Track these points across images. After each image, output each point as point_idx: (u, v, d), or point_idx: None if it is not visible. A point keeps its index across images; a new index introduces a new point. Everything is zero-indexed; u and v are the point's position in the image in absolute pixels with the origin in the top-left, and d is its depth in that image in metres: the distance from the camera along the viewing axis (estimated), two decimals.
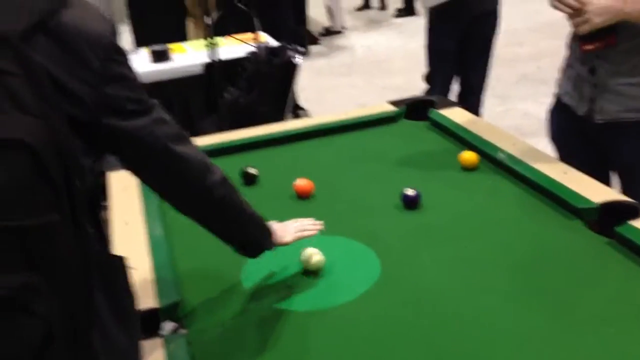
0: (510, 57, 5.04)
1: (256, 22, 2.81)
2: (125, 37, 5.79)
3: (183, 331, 1.09)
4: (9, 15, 0.74)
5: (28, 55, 0.73)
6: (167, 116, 0.93)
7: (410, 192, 1.50)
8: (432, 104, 2.07)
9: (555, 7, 1.45)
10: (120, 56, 0.85)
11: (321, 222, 1.29)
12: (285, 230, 1.22)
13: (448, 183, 1.63)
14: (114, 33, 0.84)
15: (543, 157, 1.63)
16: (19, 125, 0.70)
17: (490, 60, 2.96)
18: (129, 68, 0.87)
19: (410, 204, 1.50)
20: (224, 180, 1.02)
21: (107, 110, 0.82)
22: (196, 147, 0.97)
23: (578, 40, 1.52)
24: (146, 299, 1.14)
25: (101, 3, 7.05)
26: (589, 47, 1.47)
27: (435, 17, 2.91)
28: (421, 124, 2.02)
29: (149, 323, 1.09)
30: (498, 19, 2.90)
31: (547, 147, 1.82)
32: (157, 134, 0.89)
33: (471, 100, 2.92)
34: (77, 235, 0.76)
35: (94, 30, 0.81)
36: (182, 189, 0.98)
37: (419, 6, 6.36)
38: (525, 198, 1.50)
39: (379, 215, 1.50)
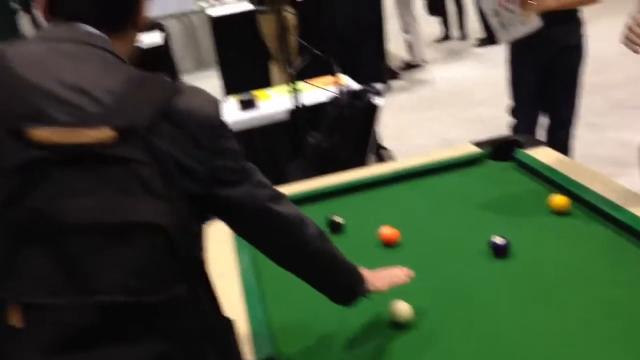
0: (601, 84, 4.84)
1: (335, 66, 2.88)
2: (214, 83, 6.11)
3: None
4: (135, 108, 0.83)
5: (154, 144, 0.82)
6: (264, 178, 1.01)
7: (499, 240, 1.48)
8: (518, 144, 2.03)
9: (627, 46, 1.41)
10: (226, 131, 0.93)
11: (411, 271, 1.31)
12: (378, 277, 1.25)
13: (538, 228, 1.59)
14: (219, 111, 0.93)
15: (635, 198, 1.56)
16: (150, 209, 0.79)
17: (579, 92, 2.86)
18: (233, 140, 0.95)
19: (499, 252, 1.48)
20: (319, 233, 1.09)
21: (216, 181, 0.91)
22: (291, 204, 1.05)
23: None
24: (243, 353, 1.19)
25: (192, 50, 7.41)
26: None
27: (516, 49, 2.87)
28: (507, 164, 1.99)
29: None
30: (584, 51, 2.81)
31: None
32: (258, 197, 0.97)
33: (561, 134, 2.83)
34: (196, 301, 0.83)
35: (203, 112, 0.89)
36: (281, 244, 1.05)
37: None
38: (620, 244, 1.44)
39: (466, 264, 1.49)
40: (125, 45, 0.96)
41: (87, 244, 0.77)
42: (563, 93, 2.84)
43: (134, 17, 0.96)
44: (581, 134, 4.10)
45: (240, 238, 1.09)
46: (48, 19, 0.91)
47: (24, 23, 2.84)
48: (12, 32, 2.61)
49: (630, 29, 1.47)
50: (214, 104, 0.93)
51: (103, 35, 0.90)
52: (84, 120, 0.80)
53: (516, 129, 2.94)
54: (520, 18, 2.62)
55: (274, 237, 1.04)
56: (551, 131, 2.90)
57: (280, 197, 1.03)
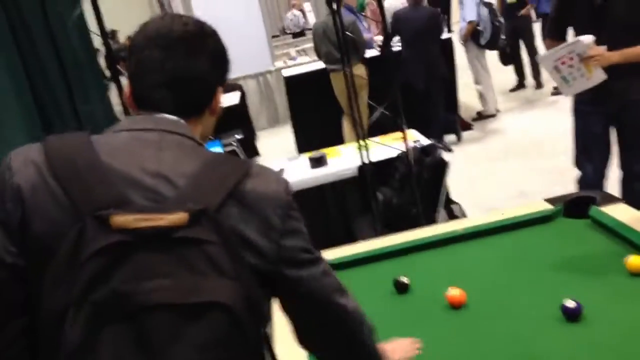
0: None
1: (404, 123, 2.93)
2: (289, 138, 6.30)
3: None
4: (207, 191, 0.89)
5: (223, 224, 0.86)
6: (330, 269, 1.03)
7: (570, 303, 1.43)
8: (592, 201, 1.97)
9: None
10: (295, 212, 0.97)
11: (418, 340, 1.37)
12: (395, 350, 1.29)
13: (613, 291, 1.52)
14: (288, 192, 0.97)
15: None
16: (218, 289, 0.83)
17: None
18: (301, 221, 0.98)
19: (571, 316, 1.43)
20: (372, 329, 1.10)
21: (286, 260, 0.94)
22: (353, 299, 1.05)
23: None
24: None
25: (267, 108, 7.71)
26: None
27: (580, 101, 2.81)
28: (581, 222, 1.92)
29: None
30: None
31: None
32: (324, 284, 0.99)
33: (637, 188, 2.71)
34: None
35: (273, 193, 0.94)
36: (336, 336, 1.05)
37: None
38: None
39: (536, 328, 1.44)
40: (202, 128, 1.03)
41: (164, 323, 0.82)
42: (634, 146, 2.74)
43: (209, 104, 1.03)
44: None
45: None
46: (133, 109, 1.01)
47: (113, 95, 3.10)
48: (102, 102, 2.85)
49: None
50: (283, 184, 0.97)
51: (182, 121, 0.98)
52: (163, 204, 0.87)
53: (581, 181, 2.85)
54: (583, 72, 2.57)
55: (331, 328, 1.03)
56: (625, 185, 2.79)
57: (344, 290, 1.04)
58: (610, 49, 2.53)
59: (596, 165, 2.80)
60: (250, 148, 6.25)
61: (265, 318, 0.96)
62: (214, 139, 3.58)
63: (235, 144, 5.41)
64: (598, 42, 2.54)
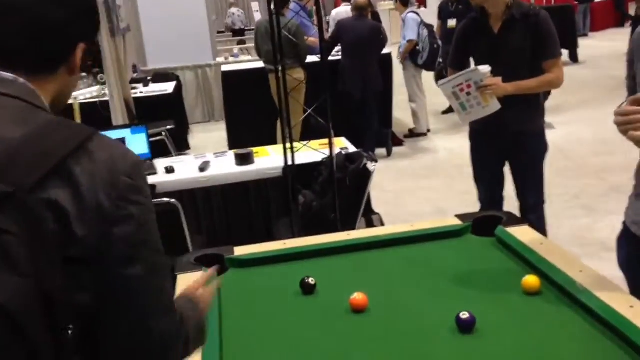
0: (600, 168, 4.89)
1: (332, 130, 2.95)
2: (222, 135, 6.22)
3: None
4: (24, 166, 0.75)
5: (33, 209, 0.73)
6: (169, 282, 0.90)
7: (464, 315, 1.48)
8: (499, 221, 2.05)
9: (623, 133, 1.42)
10: (139, 197, 0.83)
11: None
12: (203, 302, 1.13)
13: (508, 308, 1.58)
14: (134, 172, 0.83)
15: (610, 287, 1.55)
16: (2, 286, 0.69)
17: (541, 179, 2.91)
18: (148, 212, 0.84)
19: (464, 327, 1.47)
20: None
21: (110, 253, 0.80)
22: (177, 324, 0.92)
23: None
24: None
25: (204, 102, 7.60)
26: None
27: (475, 132, 2.96)
28: (487, 240, 1.99)
29: None
30: (542, 141, 2.87)
31: None
32: (148, 291, 0.84)
33: (531, 219, 2.82)
34: None
35: (111, 171, 0.80)
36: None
37: None
38: (588, 331, 1.43)
39: (431, 338, 1.47)
40: (57, 89, 0.90)
41: None
42: (526, 180, 2.90)
43: (66, 61, 0.89)
44: (575, 215, 4.11)
45: None
46: None
47: None
48: None
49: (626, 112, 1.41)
50: (129, 162, 0.83)
51: (19, 79, 0.84)
52: None
53: (481, 203, 3.01)
54: (480, 101, 2.68)
55: (132, 350, 0.86)
56: (523, 215, 2.92)
57: (172, 311, 0.89)
58: (505, 80, 2.66)
59: (489, 191, 2.96)
60: (181, 141, 6.12)
61: (77, 317, 0.79)
62: (141, 125, 3.46)
63: (164, 134, 5.28)
64: (495, 73, 2.66)
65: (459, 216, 2.14)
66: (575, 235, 3.77)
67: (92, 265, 0.79)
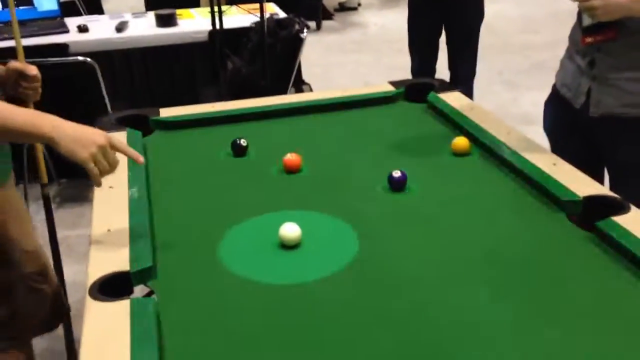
0: (524, 45, 4.97)
1: None
2: (137, 2, 5.74)
3: (154, 297, 1.10)
4: None
5: None
6: None
7: (396, 173, 1.49)
8: (432, 87, 2.04)
9: None
10: None
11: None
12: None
13: (438, 168, 1.62)
14: None
15: (535, 148, 1.61)
16: None
17: (475, 51, 2.95)
18: None
19: (396, 185, 1.49)
20: None
21: None
22: None
23: (580, 32, 1.49)
24: (120, 262, 1.15)
25: None
26: (589, 39, 1.44)
27: (415, 2, 2.92)
28: (419, 106, 2.00)
29: (121, 286, 1.10)
30: (479, 10, 2.88)
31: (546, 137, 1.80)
32: None
33: (463, 91, 2.91)
34: None
35: None
36: None
37: None
38: (512, 188, 1.49)
39: (363, 195, 1.49)
40: None
41: None
42: (461, 51, 2.93)
43: None
44: (498, 90, 4.23)
45: None
46: None
47: None
48: None
49: None
50: None
51: None
52: None
53: (412, 72, 3.03)
54: None
55: None
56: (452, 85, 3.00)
57: None
58: None
59: (422, 61, 2.97)
60: (93, 3, 5.61)
61: None
62: None
63: None
64: None
65: (392, 83, 2.11)
66: (499, 110, 3.88)
67: None
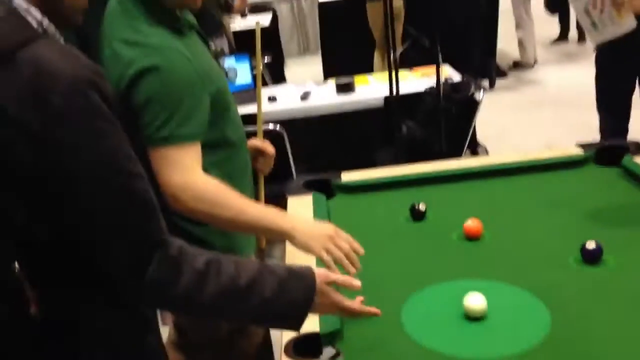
0: None
1: (439, 56, 2.81)
2: (316, 69, 6.17)
3: (340, 359, 1.13)
4: None
5: None
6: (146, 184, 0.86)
7: (590, 244, 1.39)
8: (625, 150, 1.89)
9: None
10: (83, 98, 0.77)
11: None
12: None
13: (637, 240, 1.47)
14: (82, 74, 0.78)
15: None
16: None
17: None
18: (88, 116, 0.78)
19: (591, 257, 1.38)
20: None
21: (55, 154, 0.77)
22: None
23: None
24: (309, 323, 1.20)
25: (299, 35, 7.51)
26: None
27: (605, 56, 2.69)
28: (612, 170, 1.85)
29: (311, 346, 1.15)
30: None
31: None
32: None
33: None
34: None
35: (55, 66, 0.76)
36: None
37: None
38: None
39: (553, 267, 1.40)
40: None
41: None
42: None
43: None
44: None
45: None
46: None
47: None
48: None
49: None
50: (80, 64, 0.78)
51: None
52: None
53: (603, 135, 2.79)
54: (613, 17, 2.43)
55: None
56: None
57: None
58: None
59: (614, 120, 2.73)
60: (277, 73, 6.14)
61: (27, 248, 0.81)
62: (244, 54, 3.47)
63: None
64: None
65: (580, 145, 1.99)
66: None
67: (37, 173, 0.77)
